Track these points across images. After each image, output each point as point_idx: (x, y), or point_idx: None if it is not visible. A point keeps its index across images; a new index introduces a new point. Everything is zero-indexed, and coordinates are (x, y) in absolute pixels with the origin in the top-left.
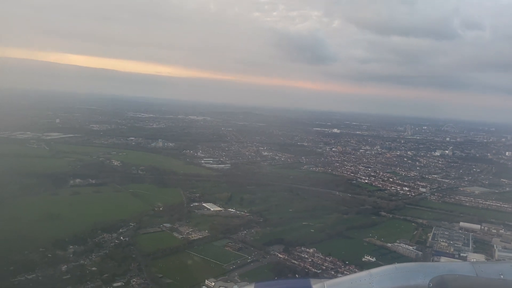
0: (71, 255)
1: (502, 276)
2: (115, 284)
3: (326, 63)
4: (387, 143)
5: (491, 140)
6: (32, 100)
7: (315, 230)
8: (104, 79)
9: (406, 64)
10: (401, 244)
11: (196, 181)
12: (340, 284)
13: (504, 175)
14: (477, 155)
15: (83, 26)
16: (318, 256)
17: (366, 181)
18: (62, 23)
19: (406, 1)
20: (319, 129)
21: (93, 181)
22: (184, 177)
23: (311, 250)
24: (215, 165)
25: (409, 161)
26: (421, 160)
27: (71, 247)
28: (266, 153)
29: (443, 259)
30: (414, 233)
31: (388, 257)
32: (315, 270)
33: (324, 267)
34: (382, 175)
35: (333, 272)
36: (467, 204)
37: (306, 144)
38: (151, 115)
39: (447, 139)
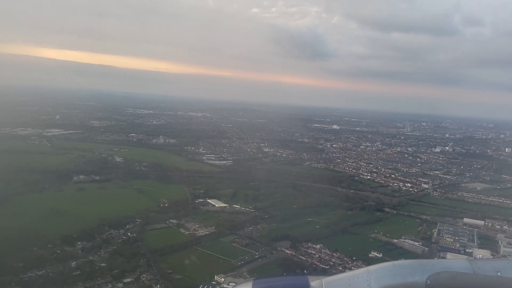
0: (79, 251)
1: (499, 273)
2: (125, 280)
3: (325, 60)
4: (387, 139)
5: (490, 136)
6: (30, 96)
7: (320, 226)
8: (102, 75)
9: (406, 61)
10: (407, 240)
11: (199, 178)
12: (338, 281)
13: (505, 171)
14: (477, 151)
15: (81, 22)
16: (325, 252)
17: (368, 177)
18: (60, 19)
19: None
20: (318, 125)
21: (97, 178)
22: (187, 174)
23: (318, 246)
24: (217, 162)
25: (410, 158)
26: (422, 156)
27: (79, 243)
28: (267, 150)
29: (449, 255)
30: (419, 229)
31: (394, 253)
32: (323, 266)
33: (332, 263)
34: (384, 171)
35: (341, 268)
36: (470, 200)
37: (307, 140)
38: (151, 111)
39: (446, 135)
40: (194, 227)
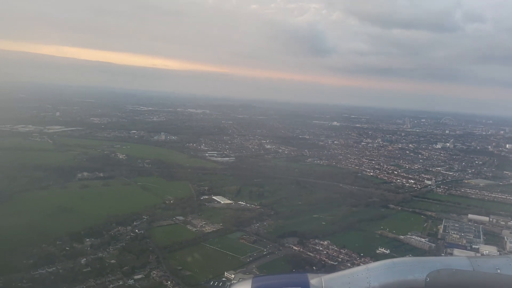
0: (88, 248)
1: (499, 271)
2: (135, 277)
3: (325, 56)
4: (387, 136)
5: (490, 132)
6: (30, 93)
7: (326, 223)
8: (101, 72)
9: (406, 57)
10: (413, 237)
11: (203, 174)
12: (337, 278)
13: (507, 167)
14: (478, 147)
15: (79, 19)
16: (333, 248)
17: (371, 174)
18: (58, 16)
19: None
20: (318, 122)
21: (101, 174)
22: (190, 170)
23: (325, 243)
24: (219, 158)
25: (412, 154)
26: (423, 152)
27: (87, 240)
28: (269, 146)
29: (456, 251)
30: (425, 225)
31: (401, 249)
32: (332, 262)
33: (340, 259)
34: (386, 168)
35: (349, 264)
36: (473, 197)
37: (308, 137)
38: (150, 108)
39: (447, 131)
40: (201, 224)
